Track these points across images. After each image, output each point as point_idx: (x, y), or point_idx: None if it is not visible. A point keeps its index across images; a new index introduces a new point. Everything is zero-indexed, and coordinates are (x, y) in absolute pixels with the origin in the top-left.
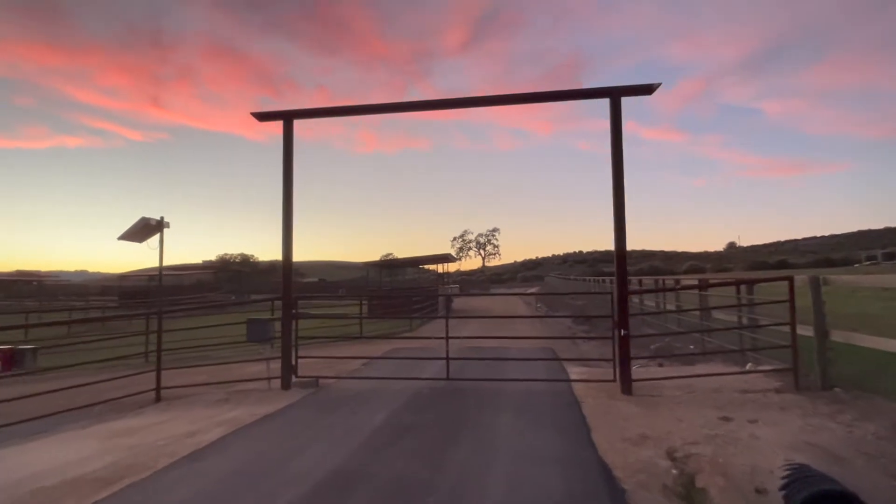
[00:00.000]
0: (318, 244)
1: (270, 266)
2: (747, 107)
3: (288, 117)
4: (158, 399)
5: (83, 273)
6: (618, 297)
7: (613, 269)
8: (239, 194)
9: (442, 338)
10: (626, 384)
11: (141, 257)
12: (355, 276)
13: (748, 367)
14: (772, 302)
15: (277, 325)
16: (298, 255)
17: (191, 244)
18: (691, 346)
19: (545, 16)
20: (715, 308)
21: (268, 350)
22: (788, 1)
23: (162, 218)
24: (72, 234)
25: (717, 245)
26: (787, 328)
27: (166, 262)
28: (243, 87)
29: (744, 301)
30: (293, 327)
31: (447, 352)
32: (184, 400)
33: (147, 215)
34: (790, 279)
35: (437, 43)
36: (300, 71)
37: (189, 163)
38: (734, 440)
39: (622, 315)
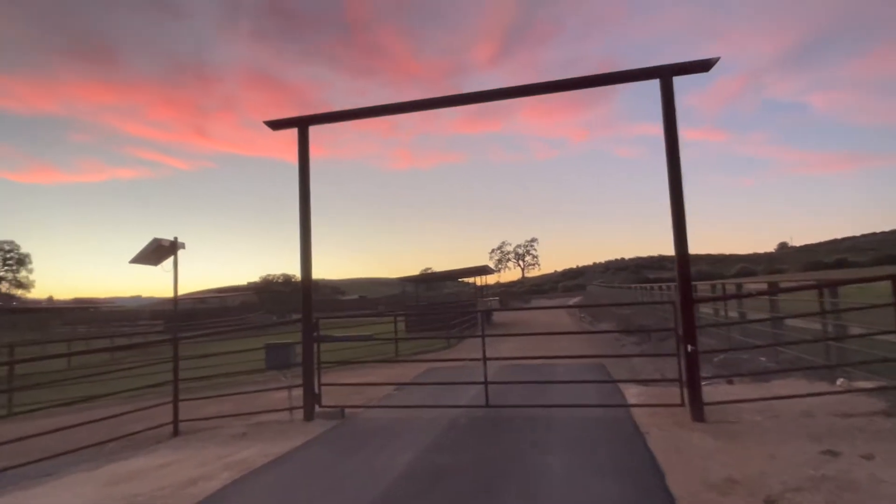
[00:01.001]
0: (358, 262)
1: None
2: (792, 101)
3: (302, 124)
4: (176, 433)
5: (137, 298)
6: (682, 305)
7: (674, 272)
8: (280, 216)
9: (479, 359)
10: (697, 409)
11: (191, 281)
12: (396, 291)
13: (839, 383)
14: (872, 306)
15: (300, 349)
16: (339, 273)
17: (237, 266)
18: (762, 359)
19: (575, 24)
20: (794, 316)
21: (289, 377)
22: None
23: (176, 239)
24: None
25: (767, 246)
26: (893, 337)
27: (213, 285)
28: (283, 113)
29: (827, 306)
30: (315, 351)
31: (485, 375)
32: (201, 434)
33: (160, 236)
34: (893, 278)
35: (469, 58)
36: (336, 94)
37: (233, 188)
38: (851, 485)
39: (688, 327)
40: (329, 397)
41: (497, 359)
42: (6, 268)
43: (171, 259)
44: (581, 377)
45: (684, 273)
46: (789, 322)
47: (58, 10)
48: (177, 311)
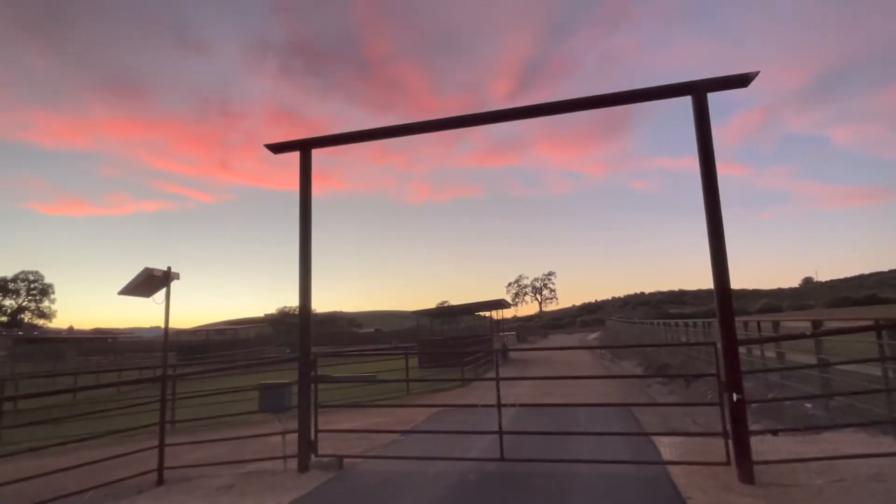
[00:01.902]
0: (375, 295)
1: (327, 317)
2: (812, 135)
3: (304, 146)
4: (160, 482)
5: (156, 329)
6: (725, 348)
7: (697, 308)
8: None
9: (493, 405)
10: (746, 469)
11: (211, 312)
12: (412, 325)
13: None
14: None
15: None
16: (355, 307)
17: (257, 297)
18: (807, 405)
19: (592, 60)
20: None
21: (284, 420)
22: (846, 25)
23: (169, 268)
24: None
25: (791, 281)
26: None
27: (233, 316)
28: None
29: (887, 349)
30: (313, 393)
31: (499, 423)
32: (186, 484)
33: (151, 266)
34: None
35: (486, 94)
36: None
37: (254, 220)
38: None
39: (733, 373)
40: (328, 444)
41: (513, 405)
42: (29, 298)
43: (163, 291)
44: (607, 426)
45: (726, 310)
46: (839, 365)
47: (90, 48)
48: (174, 343)
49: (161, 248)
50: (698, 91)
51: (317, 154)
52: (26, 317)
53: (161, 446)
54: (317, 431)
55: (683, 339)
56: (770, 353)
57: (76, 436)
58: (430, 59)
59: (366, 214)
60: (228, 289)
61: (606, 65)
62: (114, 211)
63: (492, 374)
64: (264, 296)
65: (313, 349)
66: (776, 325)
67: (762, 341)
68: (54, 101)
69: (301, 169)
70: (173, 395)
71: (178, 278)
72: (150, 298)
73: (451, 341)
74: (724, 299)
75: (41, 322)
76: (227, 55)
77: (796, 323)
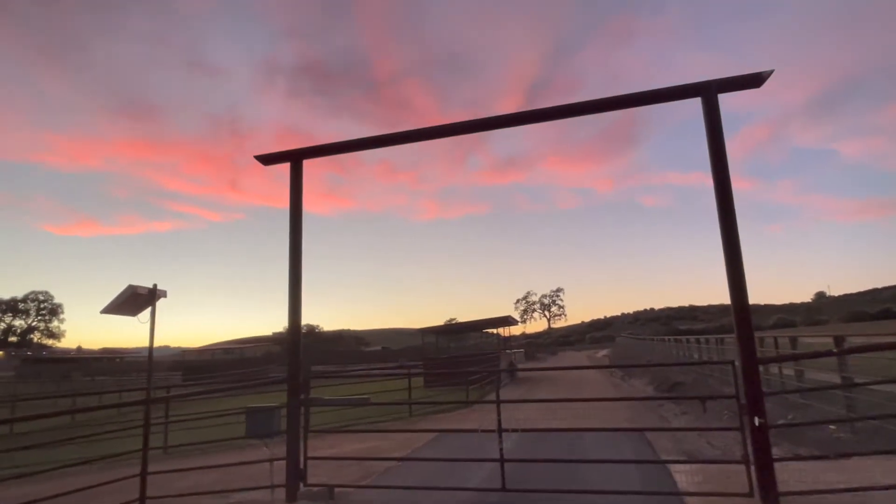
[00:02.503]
0: (383, 312)
1: (335, 335)
2: (820, 149)
3: (295, 157)
4: None
5: (165, 349)
6: (745, 367)
7: (708, 324)
8: (307, 266)
9: (493, 430)
10: (771, 500)
11: (218, 330)
12: (422, 342)
13: None
14: None
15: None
16: (363, 324)
17: (265, 316)
18: (831, 428)
19: (597, 78)
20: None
21: (272, 446)
22: (852, 40)
23: (155, 286)
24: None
25: (803, 296)
26: None
27: (239, 335)
28: (313, 167)
29: None
30: (302, 418)
31: (501, 451)
32: None
33: (135, 283)
34: None
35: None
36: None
37: (263, 239)
38: None
39: (754, 394)
40: (319, 471)
41: (516, 431)
42: (39, 318)
43: (150, 309)
44: (618, 451)
45: (745, 326)
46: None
47: (104, 71)
48: (180, 363)
49: (170, 267)
50: (709, 92)
51: (326, 173)
52: (35, 337)
53: (143, 475)
54: (306, 458)
55: (696, 357)
56: (788, 371)
57: (67, 460)
58: (438, 78)
59: (375, 232)
60: (237, 307)
61: (612, 82)
62: (125, 231)
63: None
64: (272, 314)
65: (315, 367)
66: (794, 340)
67: (786, 359)
68: (69, 123)
69: (292, 180)
70: (166, 417)
71: (164, 296)
72: (136, 318)
73: (457, 360)
74: (742, 314)
75: (50, 342)
76: (237, 77)
77: (816, 339)
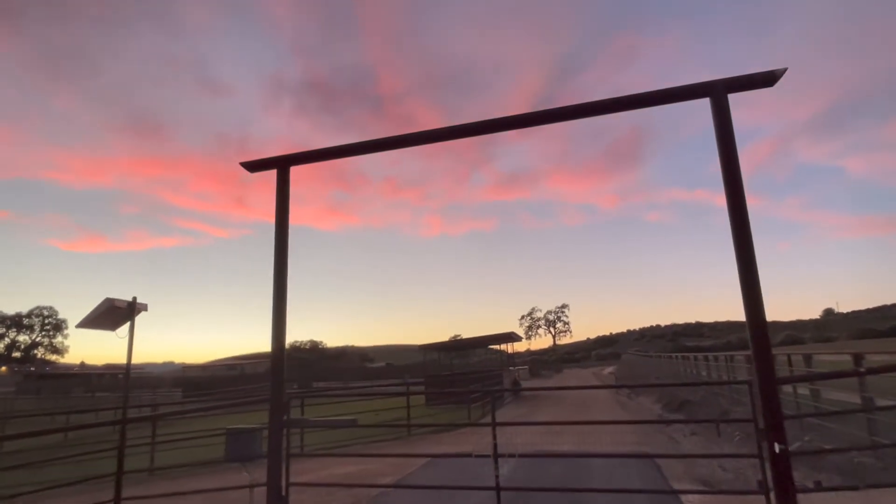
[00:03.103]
0: (388, 328)
1: (339, 351)
2: (827, 165)
3: (282, 164)
4: None
5: (170, 364)
6: (763, 387)
7: (716, 341)
8: (312, 282)
9: (488, 455)
10: None
11: (227, 346)
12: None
13: None
14: None
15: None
16: (367, 341)
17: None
18: (853, 453)
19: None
20: None
21: (254, 471)
22: (856, 57)
23: (134, 299)
24: (162, 328)
25: (811, 313)
26: None
27: (243, 351)
28: (318, 184)
29: None
30: (285, 440)
31: (496, 479)
32: None
33: (113, 296)
34: None
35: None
36: (370, 165)
37: (268, 255)
38: None
39: (773, 417)
40: (305, 497)
41: (512, 456)
42: (43, 333)
43: (129, 323)
44: (625, 475)
45: (761, 343)
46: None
47: (114, 89)
48: (180, 379)
49: (177, 283)
50: (717, 91)
51: (331, 190)
52: (39, 352)
53: (117, 501)
54: (288, 484)
55: (703, 374)
56: (803, 390)
57: (46, 482)
58: (443, 95)
59: (380, 248)
60: (242, 323)
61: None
62: (132, 247)
63: (501, 413)
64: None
65: (318, 384)
66: (808, 358)
67: (808, 379)
68: (79, 140)
69: (278, 188)
70: (153, 437)
71: (145, 310)
72: (115, 333)
73: (459, 377)
74: (758, 330)
75: (54, 357)
76: (245, 94)
77: (832, 357)
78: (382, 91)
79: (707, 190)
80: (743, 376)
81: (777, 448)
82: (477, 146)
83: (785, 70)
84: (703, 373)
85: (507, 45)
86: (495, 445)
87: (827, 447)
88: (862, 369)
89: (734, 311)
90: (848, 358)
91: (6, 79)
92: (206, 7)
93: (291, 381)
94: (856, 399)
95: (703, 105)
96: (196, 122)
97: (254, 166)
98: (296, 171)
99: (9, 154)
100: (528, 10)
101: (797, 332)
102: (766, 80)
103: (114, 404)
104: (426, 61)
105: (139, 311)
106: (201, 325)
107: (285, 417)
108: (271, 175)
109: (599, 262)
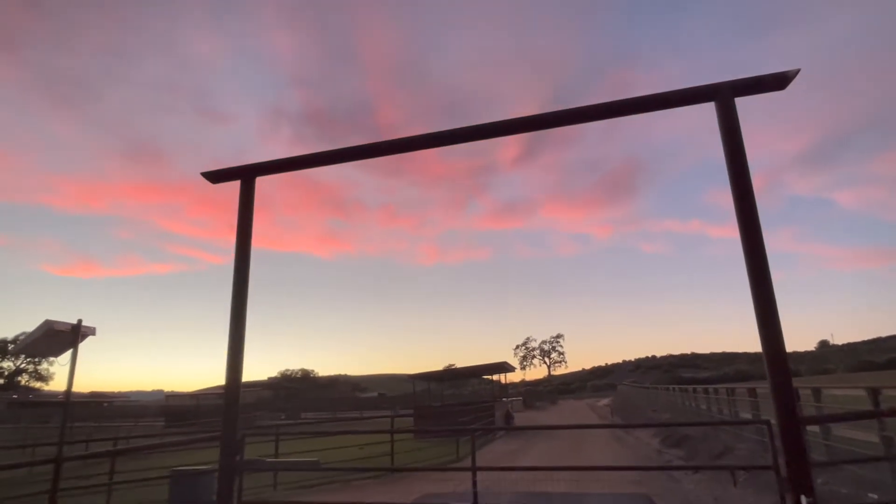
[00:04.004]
0: (381, 358)
1: (330, 380)
2: (818, 197)
3: (247, 174)
4: None
5: (158, 392)
6: (784, 427)
7: (713, 372)
8: (307, 310)
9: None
10: None
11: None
12: (418, 388)
13: None
14: None
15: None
16: (360, 370)
17: (261, 360)
18: (873, 496)
19: (596, 126)
20: None
21: None
22: (845, 92)
23: (79, 322)
24: (153, 355)
25: (806, 344)
26: None
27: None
28: (315, 211)
29: None
30: (237, 484)
31: None
32: None
33: (53, 318)
34: None
35: (494, 159)
36: (367, 193)
37: (263, 282)
38: None
39: (798, 464)
40: None
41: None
42: (28, 359)
43: (72, 350)
44: None
45: (781, 376)
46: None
47: (112, 116)
48: (164, 409)
49: (169, 309)
50: (723, 94)
51: (328, 217)
52: (23, 379)
53: None
54: None
55: (703, 408)
56: (811, 426)
57: None
58: (439, 126)
59: (374, 276)
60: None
61: (611, 131)
62: (125, 272)
63: (492, 448)
64: (268, 358)
65: (306, 414)
66: (818, 392)
67: (839, 419)
68: (76, 166)
69: (241, 200)
70: (110, 476)
71: (92, 334)
72: (56, 360)
73: (449, 409)
74: (777, 360)
75: (38, 385)
76: (244, 123)
77: (843, 391)
78: (380, 122)
79: (701, 221)
80: (746, 411)
81: (805, 502)
82: (472, 175)
83: (797, 71)
84: (703, 406)
85: (503, 79)
86: (475, 493)
87: (843, 490)
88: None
89: (729, 342)
90: (863, 393)
91: (7, 104)
92: (208, 38)
93: (279, 411)
94: (873, 438)
95: (691, 140)
96: (194, 150)
97: (217, 177)
98: (292, 197)
99: (5, 178)
100: (524, 46)
101: (794, 363)
102: (777, 82)
103: (86, 435)
104: (424, 92)
105: (85, 336)
106: (191, 351)
107: (238, 458)
108: (267, 204)
109: (594, 291)
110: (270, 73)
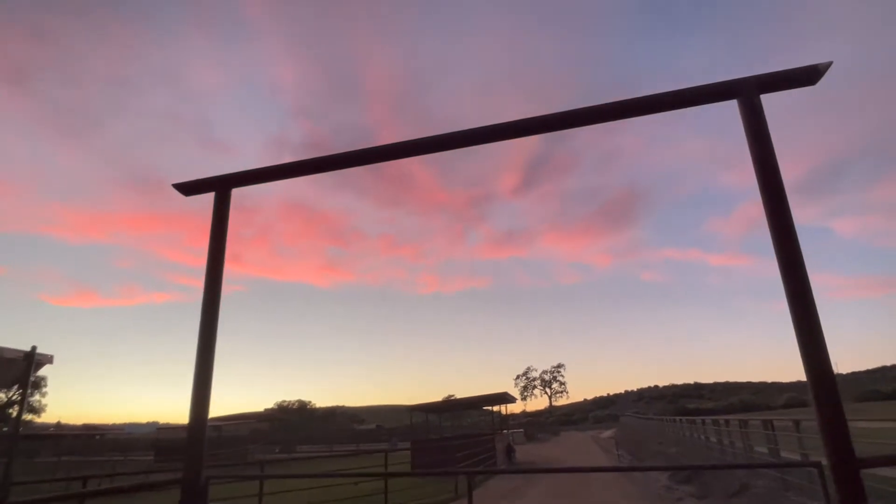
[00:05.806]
0: (380, 389)
1: (328, 412)
2: (816, 226)
3: (222, 186)
4: None
5: (153, 425)
6: (838, 473)
7: (718, 403)
8: (305, 340)
9: None
10: None
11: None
12: (417, 420)
13: None
14: None
15: None
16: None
17: (259, 391)
18: None
19: (595, 155)
20: None
21: None
22: (840, 120)
23: (34, 349)
24: (149, 386)
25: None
26: None
27: (232, 411)
28: (315, 240)
29: None
30: None
31: None
32: None
33: (5, 345)
34: None
35: (492, 188)
36: (366, 222)
37: (261, 312)
38: None
39: None
40: None
41: None
42: (19, 391)
43: (24, 379)
44: None
45: (831, 408)
46: None
47: (115, 146)
48: (155, 442)
49: (166, 338)
50: (748, 91)
51: (330, 248)
52: (13, 411)
53: None
54: None
55: (713, 440)
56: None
57: None
58: (439, 157)
59: (374, 306)
60: (230, 383)
61: (609, 160)
62: (123, 302)
63: (492, 484)
64: (266, 389)
65: (302, 447)
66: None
67: None
68: (79, 195)
69: (215, 213)
70: None
71: (50, 362)
72: (4, 391)
73: (447, 441)
74: (826, 393)
75: (29, 417)
76: (246, 152)
77: (866, 423)
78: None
79: (700, 250)
80: (761, 445)
81: None
82: (472, 204)
83: (829, 64)
84: (713, 438)
85: (503, 107)
86: None
87: None
88: None
89: (733, 372)
90: (894, 425)
91: (13, 135)
92: (211, 69)
93: (275, 444)
94: None
95: (689, 170)
96: (196, 179)
97: (189, 188)
98: (292, 226)
99: (7, 208)
100: (522, 77)
101: (799, 393)
102: (808, 76)
103: (69, 471)
104: (423, 122)
105: (41, 365)
106: (188, 383)
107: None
108: (268, 233)
109: (595, 320)
110: (273, 104)
